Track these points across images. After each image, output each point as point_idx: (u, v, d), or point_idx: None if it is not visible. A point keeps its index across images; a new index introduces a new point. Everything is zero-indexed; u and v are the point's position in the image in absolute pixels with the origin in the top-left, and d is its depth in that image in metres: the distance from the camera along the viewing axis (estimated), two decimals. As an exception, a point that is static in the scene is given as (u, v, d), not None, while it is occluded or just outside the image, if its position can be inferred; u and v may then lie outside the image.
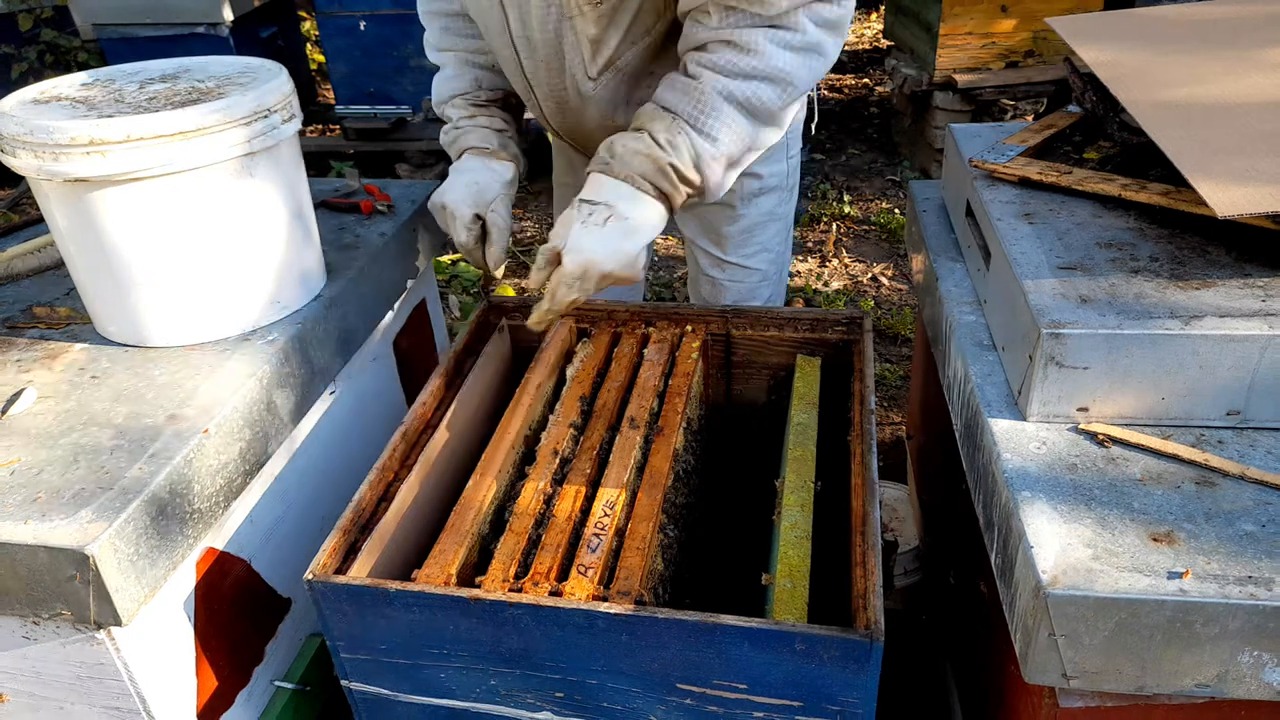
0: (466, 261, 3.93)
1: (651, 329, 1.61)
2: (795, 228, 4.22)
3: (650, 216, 1.34)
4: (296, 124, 1.42)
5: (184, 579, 1.24)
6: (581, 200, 1.34)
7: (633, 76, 1.50)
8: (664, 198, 1.35)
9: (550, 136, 1.90)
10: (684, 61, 1.36)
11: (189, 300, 1.37)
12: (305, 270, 1.50)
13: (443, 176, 1.65)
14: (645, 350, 1.55)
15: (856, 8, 7.52)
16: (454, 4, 1.63)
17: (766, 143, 1.39)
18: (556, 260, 1.34)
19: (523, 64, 1.51)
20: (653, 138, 1.32)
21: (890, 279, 3.80)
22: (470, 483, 1.29)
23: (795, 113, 1.45)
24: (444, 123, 1.72)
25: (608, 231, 1.30)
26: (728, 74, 1.31)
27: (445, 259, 3.89)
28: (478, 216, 1.55)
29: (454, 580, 1.16)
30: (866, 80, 6.27)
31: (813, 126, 1.86)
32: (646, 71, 1.50)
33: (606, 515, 1.21)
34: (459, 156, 1.63)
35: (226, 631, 1.32)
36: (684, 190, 1.35)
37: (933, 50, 4.32)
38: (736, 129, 1.33)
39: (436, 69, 1.74)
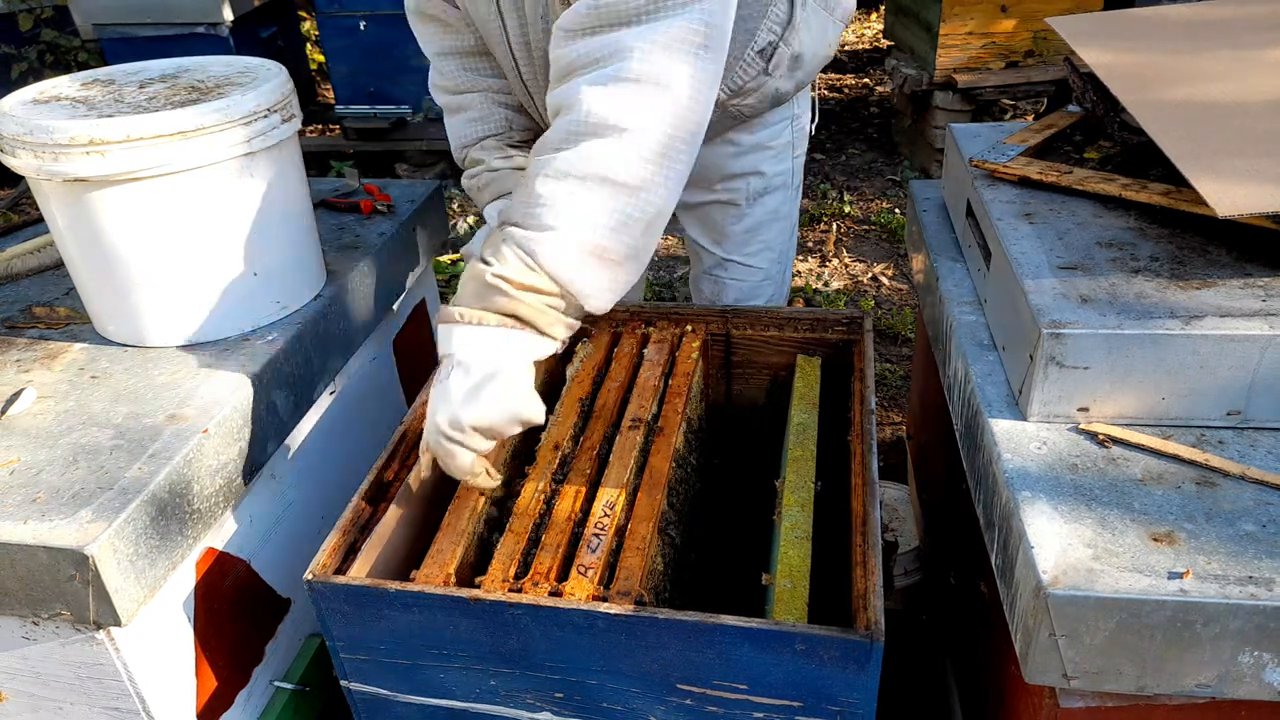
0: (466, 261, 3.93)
1: (651, 329, 1.61)
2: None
3: (503, 351, 1.12)
4: (296, 124, 1.42)
5: (184, 579, 1.24)
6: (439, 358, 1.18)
7: None
8: (516, 320, 1.12)
9: None
10: None
11: (189, 300, 1.37)
12: (305, 270, 1.50)
13: (442, 176, 1.64)
14: (645, 350, 1.55)
15: (857, 7, 7.56)
16: (467, 40, 1.56)
17: (644, 208, 1.11)
18: None
19: (521, 72, 1.50)
20: (480, 258, 1.14)
21: (890, 279, 3.80)
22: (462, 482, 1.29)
23: (685, 157, 1.13)
24: (462, 162, 1.62)
25: (450, 385, 1.12)
26: (551, 148, 1.11)
27: (445, 259, 3.89)
28: None
29: (453, 579, 1.15)
30: (866, 80, 6.27)
31: (813, 127, 1.85)
32: None
33: (606, 515, 1.21)
34: (494, 200, 1.51)
35: (226, 632, 1.32)
36: (537, 300, 1.11)
37: (933, 50, 4.31)
38: (581, 206, 1.08)
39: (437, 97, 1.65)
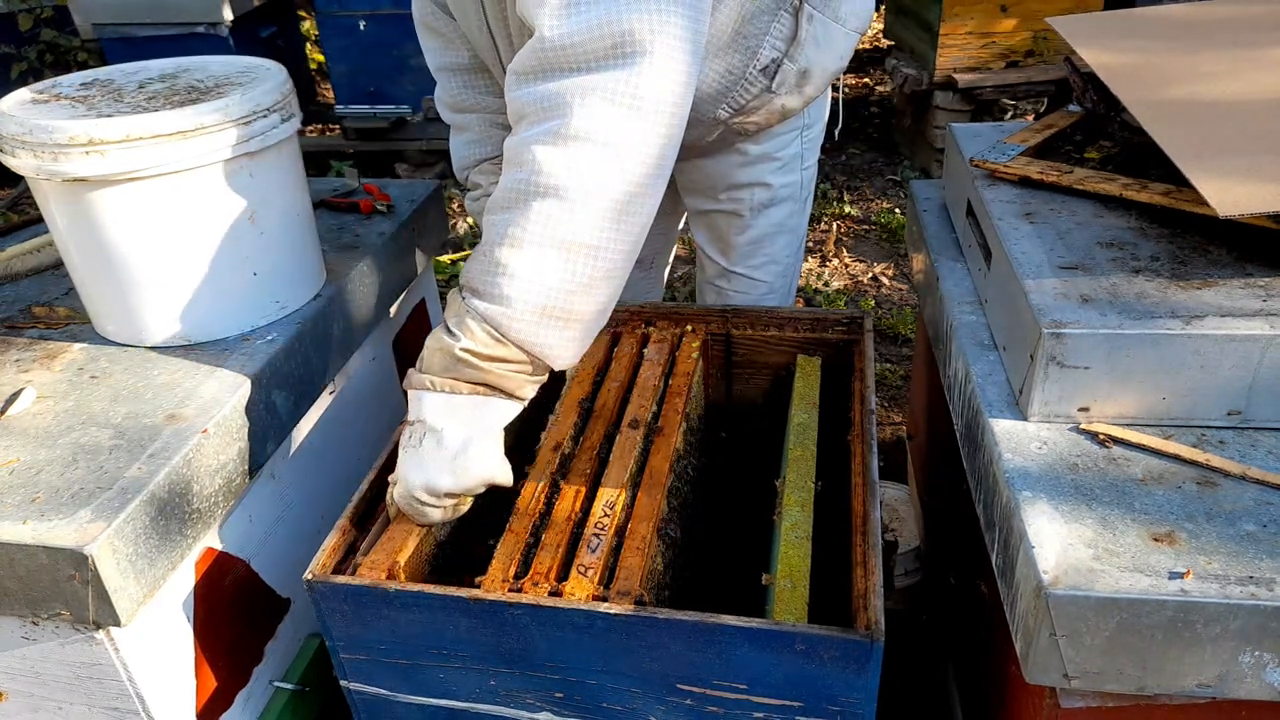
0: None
1: (651, 329, 1.61)
2: (795, 228, 4.21)
3: (475, 417, 1.14)
4: (296, 123, 1.42)
5: (183, 579, 1.24)
6: (405, 421, 1.19)
7: None
8: (486, 388, 1.14)
9: None
10: None
11: (189, 300, 1.37)
12: (305, 270, 1.50)
13: (442, 176, 1.65)
14: (645, 350, 1.55)
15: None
16: (463, 56, 1.57)
17: (604, 266, 1.09)
18: None
19: (501, 56, 1.48)
20: (445, 326, 1.14)
21: (891, 279, 3.80)
22: None
23: (644, 209, 1.10)
24: (464, 182, 1.67)
25: (424, 452, 1.14)
26: (503, 206, 1.09)
27: (445, 259, 3.89)
28: None
29: (400, 569, 1.15)
30: (866, 80, 6.27)
31: (836, 131, 1.79)
32: None
33: (606, 515, 1.21)
34: None
35: (226, 632, 1.32)
36: (505, 369, 1.12)
37: (933, 50, 4.31)
38: (542, 273, 1.07)
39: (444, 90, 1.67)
